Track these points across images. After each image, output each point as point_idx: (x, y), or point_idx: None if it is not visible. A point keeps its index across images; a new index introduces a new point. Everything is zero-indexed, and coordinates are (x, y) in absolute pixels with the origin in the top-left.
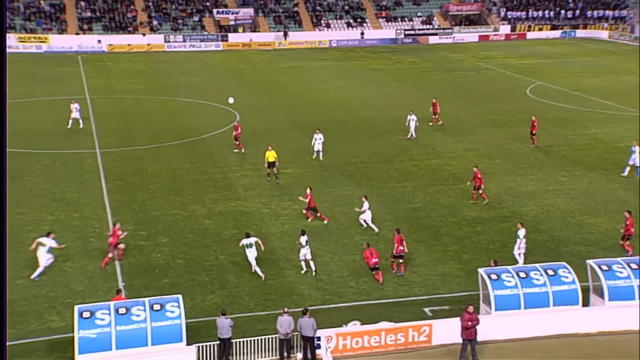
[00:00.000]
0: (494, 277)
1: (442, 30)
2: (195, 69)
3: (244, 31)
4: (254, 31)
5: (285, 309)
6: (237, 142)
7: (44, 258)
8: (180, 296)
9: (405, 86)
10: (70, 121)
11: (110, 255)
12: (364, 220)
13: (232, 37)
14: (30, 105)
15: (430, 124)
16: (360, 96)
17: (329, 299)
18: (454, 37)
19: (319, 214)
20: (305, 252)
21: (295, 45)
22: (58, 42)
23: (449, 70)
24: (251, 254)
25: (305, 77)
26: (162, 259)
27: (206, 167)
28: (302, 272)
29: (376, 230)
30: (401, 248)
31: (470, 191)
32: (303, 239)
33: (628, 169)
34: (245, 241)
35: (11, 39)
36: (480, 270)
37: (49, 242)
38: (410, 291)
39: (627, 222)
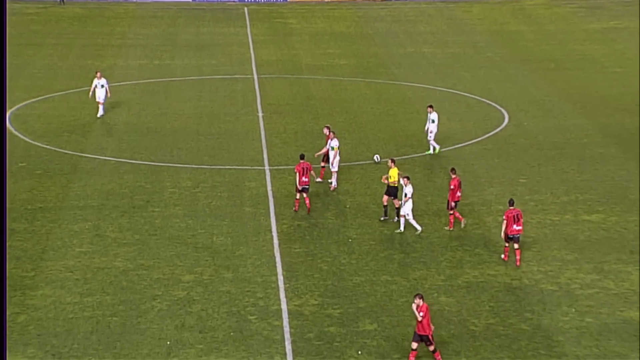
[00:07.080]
0: None
1: None
2: (435, 32)
3: None
4: None
5: None
6: (323, 165)
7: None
8: None
9: None
10: (100, 108)
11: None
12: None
13: None
14: (165, 89)
15: None
16: None
17: None
18: None
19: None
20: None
21: None
22: None
23: None
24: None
25: (638, 48)
26: None
27: (444, 202)
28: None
29: (419, 229)
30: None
31: None
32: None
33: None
34: None
35: None
36: None
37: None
38: None
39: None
